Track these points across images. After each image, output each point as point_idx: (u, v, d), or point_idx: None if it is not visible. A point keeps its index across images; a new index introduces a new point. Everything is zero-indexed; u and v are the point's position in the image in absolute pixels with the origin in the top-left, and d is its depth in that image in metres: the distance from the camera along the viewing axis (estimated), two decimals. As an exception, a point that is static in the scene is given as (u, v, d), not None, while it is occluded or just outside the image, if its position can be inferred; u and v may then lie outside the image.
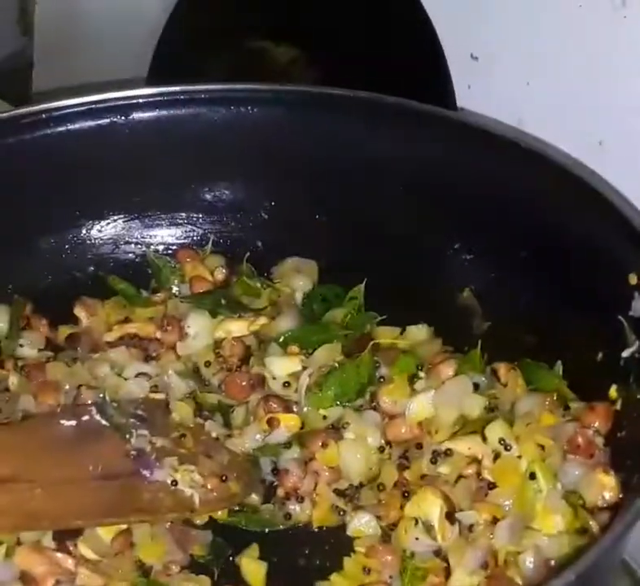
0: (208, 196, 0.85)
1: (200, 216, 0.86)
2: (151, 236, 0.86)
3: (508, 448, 0.69)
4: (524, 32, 0.91)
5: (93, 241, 0.85)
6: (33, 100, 1.11)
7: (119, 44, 1.09)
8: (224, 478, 0.68)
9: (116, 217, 0.85)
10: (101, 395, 0.71)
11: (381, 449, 0.71)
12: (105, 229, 0.85)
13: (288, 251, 0.84)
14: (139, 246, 0.86)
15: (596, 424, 0.68)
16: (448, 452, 0.70)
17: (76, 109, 0.80)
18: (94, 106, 0.80)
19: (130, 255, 0.86)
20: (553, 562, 0.63)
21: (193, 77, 0.90)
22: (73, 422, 0.67)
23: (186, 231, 0.86)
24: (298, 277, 0.82)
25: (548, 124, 0.90)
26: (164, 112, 0.82)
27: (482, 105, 0.95)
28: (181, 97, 0.82)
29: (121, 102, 0.81)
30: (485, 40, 0.94)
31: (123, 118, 0.82)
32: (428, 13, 0.96)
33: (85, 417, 0.67)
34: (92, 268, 0.84)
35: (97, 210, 0.84)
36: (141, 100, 0.82)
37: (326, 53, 1.03)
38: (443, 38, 0.96)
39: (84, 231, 0.84)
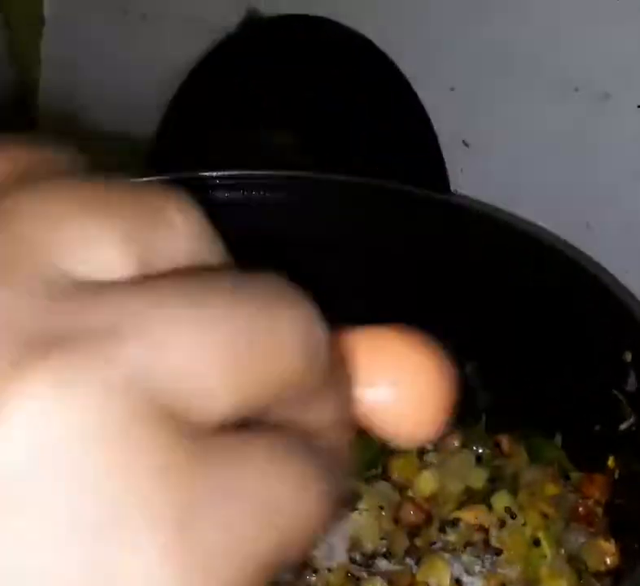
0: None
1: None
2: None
3: (513, 516, 0.73)
4: (513, 119, 0.97)
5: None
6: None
7: (120, 136, 1.14)
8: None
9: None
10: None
11: (395, 520, 0.75)
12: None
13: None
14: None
15: (596, 494, 0.73)
16: (455, 522, 0.74)
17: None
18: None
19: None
20: (560, 626, 0.67)
21: (190, 169, 0.95)
22: None
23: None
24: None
25: (538, 208, 0.96)
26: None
27: (475, 188, 1.00)
28: (193, 183, 0.87)
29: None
30: (476, 127, 1.00)
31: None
32: (422, 101, 1.02)
33: None
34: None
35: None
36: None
37: (319, 139, 1.08)
38: (436, 125, 1.01)
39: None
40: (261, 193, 0.87)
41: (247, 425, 0.20)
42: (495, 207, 0.94)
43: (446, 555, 0.72)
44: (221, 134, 1.06)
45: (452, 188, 1.01)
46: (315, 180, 0.88)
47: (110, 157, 1.04)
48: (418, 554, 0.74)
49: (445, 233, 0.87)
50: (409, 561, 0.74)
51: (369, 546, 0.75)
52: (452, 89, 1.01)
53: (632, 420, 0.72)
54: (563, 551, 0.71)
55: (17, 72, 1.19)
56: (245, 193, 0.87)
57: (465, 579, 0.72)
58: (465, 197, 0.97)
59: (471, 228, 0.86)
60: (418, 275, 0.86)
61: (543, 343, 0.80)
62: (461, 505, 0.75)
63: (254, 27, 1.08)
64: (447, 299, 0.85)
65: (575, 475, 0.75)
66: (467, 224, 0.87)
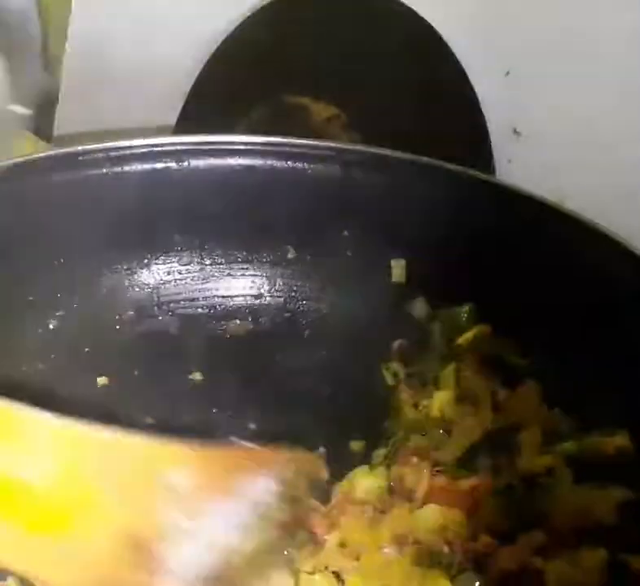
0: (259, 249, 0.84)
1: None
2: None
3: None
4: (571, 109, 0.92)
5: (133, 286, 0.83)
6: (58, 141, 1.08)
7: (148, 90, 1.07)
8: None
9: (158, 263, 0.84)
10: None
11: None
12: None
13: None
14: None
15: None
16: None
17: (133, 151, 0.78)
18: (151, 149, 0.79)
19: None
20: None
21: (223, 128, 0.89)
22: None
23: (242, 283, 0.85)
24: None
25: (588, 203, 0.90)
26: (220, 161, 0.81)
27: (522, 181, 0.95)
28: (238, 147, 0.81)
29: (178, 148, 0.80)
30: (530, 116, 0.95)
31: (178, 164, 0.80)
32: (474, 84, 0.96)
33: None
34: (131, 313, 0.82)
35: (140, 254, 0.83)
36: (197, 147, 0.80)
37: (364, 115, 1.03)
38: (487, 110, 0.96)
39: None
40: (315, 164, 0.81)
41: None
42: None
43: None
44: (262, 103, 1.00)
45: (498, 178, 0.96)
46: (374, 154, 0.82)
47: (137, 107, 0.97)
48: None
49: (502, 217, 0.82)
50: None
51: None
52: (507, 74, 0.96)
53: None
54: None
55: (44, 40, 1.13)
56: (298, 163, 0.81)
57: None
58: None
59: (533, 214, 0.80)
60: (472, 257, 0.81)
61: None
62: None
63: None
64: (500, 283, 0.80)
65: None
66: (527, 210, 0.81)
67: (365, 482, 0.69)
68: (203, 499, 0.60)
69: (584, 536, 0.63)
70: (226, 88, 0.99)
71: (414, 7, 0.97)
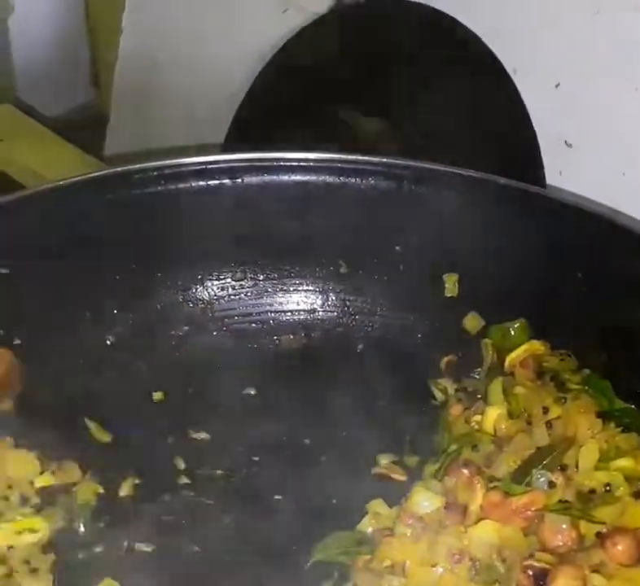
0: (312, 264, 0.85)
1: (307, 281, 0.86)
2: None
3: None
4: (623, 121, 0.91)
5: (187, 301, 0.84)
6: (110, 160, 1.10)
7: (197, 108, 1.08)
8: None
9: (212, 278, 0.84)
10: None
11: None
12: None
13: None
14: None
15: None
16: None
17: (187, 168, 0.79)
18: (205, 166, 0.79)
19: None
20: None
21: (272, 144, 0.90)
22: None
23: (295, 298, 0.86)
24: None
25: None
26: (274, 177, 0.81)
27: (573, 192, 0.94)
28: (292, 163, 0.82)
29: (232, 165, 0.80)
30: (581, 128, 0.94)
31: (232, 181, 0.81)
32: (523, 97, 0.96)
33: None
34: (186, 328, 0.83)
35: (194, 270, 0.83)
36: (251, 164, 0.81)
37: (413, 129, 1.03)
38: (537, 122, 0.96)
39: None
40: (366, 178, 0.81)
41: None
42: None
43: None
44: (308, 112, 1.01)
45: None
46: (424, 169, 0.82)
47: (185, 124, 0.98)
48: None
49: (551, 232, 0.81)
50: None
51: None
52: (557, 86, 0.95)
53: None
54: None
55: (93, 45, 1.14)
56: (350, 178, 0.82)
57: None
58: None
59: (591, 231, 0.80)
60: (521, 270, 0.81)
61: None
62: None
63: (349, 8, 1.03)
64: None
65: None
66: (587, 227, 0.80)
67: (423, 498, 0.69)
68: None
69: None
70: (274, 104, 0.99)
71: (462, 20, 0.97)
